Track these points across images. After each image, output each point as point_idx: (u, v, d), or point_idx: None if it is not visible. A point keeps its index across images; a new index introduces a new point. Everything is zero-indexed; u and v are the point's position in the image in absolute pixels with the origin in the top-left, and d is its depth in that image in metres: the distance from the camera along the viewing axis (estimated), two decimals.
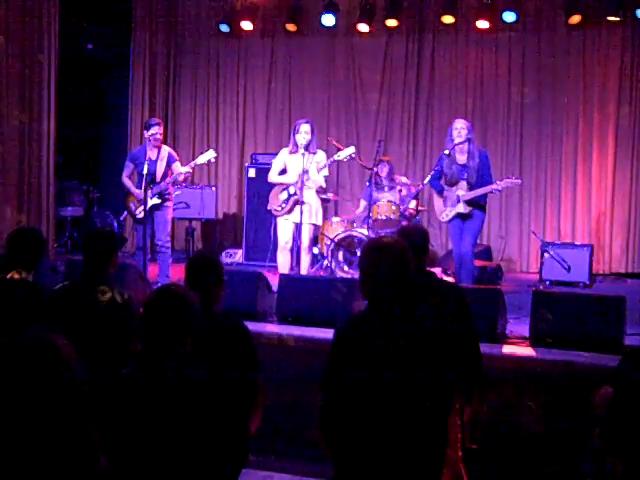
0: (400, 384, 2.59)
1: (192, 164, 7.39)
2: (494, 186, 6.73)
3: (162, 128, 7.35)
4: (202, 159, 7.40)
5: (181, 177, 7.26)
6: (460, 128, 6.71)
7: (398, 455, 2.59)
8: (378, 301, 2.73)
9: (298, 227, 7.04)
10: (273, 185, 7.31)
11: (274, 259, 7.55)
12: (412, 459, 2.59)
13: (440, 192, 6.92)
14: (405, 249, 2.80)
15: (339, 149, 7.49)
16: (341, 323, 2.87)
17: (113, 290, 3.71)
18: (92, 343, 3.51)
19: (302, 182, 6.93)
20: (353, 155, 7.23)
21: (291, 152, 7.11)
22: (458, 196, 6.76)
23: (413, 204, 8.34)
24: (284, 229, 7.17)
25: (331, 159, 7.05)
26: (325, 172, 7.13)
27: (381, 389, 2.60)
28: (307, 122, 7.08)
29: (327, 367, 2.79)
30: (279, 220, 7.23)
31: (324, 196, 7.86)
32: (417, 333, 2.65)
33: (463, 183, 6.76)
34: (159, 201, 7.21)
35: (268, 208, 7.35)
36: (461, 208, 6.76)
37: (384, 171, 8.62)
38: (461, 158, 6.81)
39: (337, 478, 2.72)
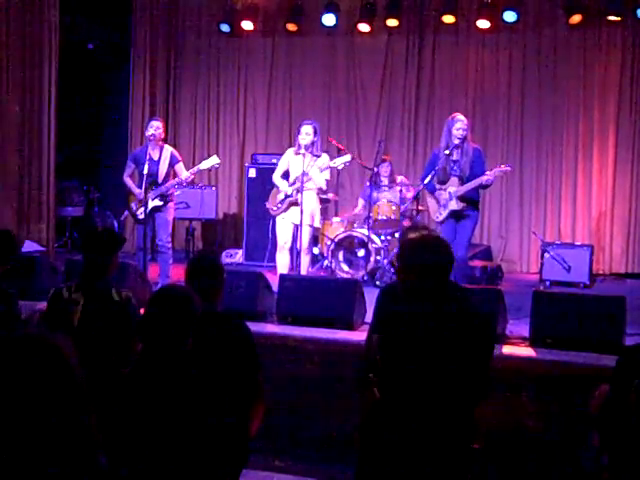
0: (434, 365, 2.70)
1: (195, 169, 7.33)
2: (485, 177, 6.51)
3: (163, 126, 7.32)
4: (205, 165, 7.36)
5: (182, 182, 7.29)
6: (462, 129, 6.62)
7: (428, 414, 2.69)
8: (423, 295, 2.80)
9: (297, 228, 7.05)
10: (274, 185, 7.35)
11: (272, 259, 7.57)
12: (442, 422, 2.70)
13: (432, 192, 6.79)
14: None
15: (340, 149, 7.51)
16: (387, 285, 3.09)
17: (111, 290, 3.71)
18: (93, 343, 3.52)
19: (302, 183, 6.95)
20: (348, 163, 7.26)
21: (296, 153, 7.15)
22: (450, 193, 6.59)
23: (413, 204, 8.34)
24: (283, 229, 7.19)
25: (327, 166, 7.07)
26: (327, 175, 7.14)
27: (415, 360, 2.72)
28: (309, 123, 7.11)
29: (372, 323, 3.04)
30: (277, 220, 7.25)
31: (324, 196, 7.87)
32: (450, 327, 2.75)
33: (454, 179, 6.60)
34: (160, 203, 7.19)
35: (267, 207, 7.38)
36: (454, 205, 6.56)
37: (387, 171, 8.63)
38: (454, 154, 6.66)
39: (362, 427, 2.84)
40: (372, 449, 2.77)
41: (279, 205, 7.15)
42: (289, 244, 7.19)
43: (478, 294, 5.31)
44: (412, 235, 3.05)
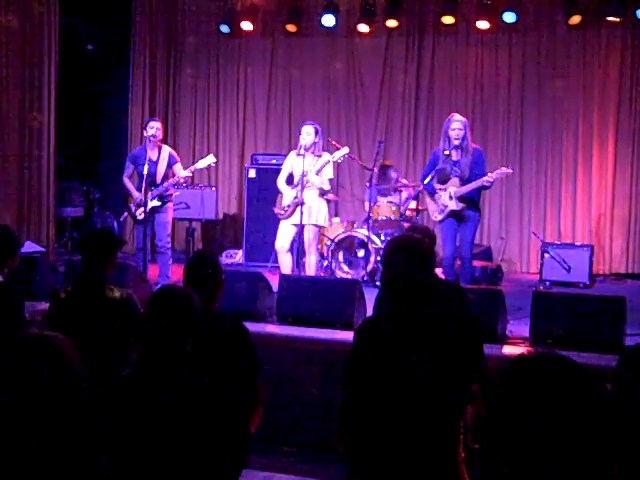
0: (418, 383, 2.61)
1: (192, 168, 7.37)
2: (485, 178, 6.47)
3: (162, 126, 7.33)
4: (202, 164, 7.39)
5: (180, 180, 7.31)
6: (458, 129, 6.58)
7: (413, 453, 2.61)
8: (401, 300, 2.75)
9: (299, 228, 7.03)
10: (276, 187, 7.36)
11: (277, 260, 7.55)
12: (427, 458, 2.62)
13: (432, 193, 6.76)
14: (431, 249, 2.84)
15: (338, 149, 7.49)
16: (363, 322, 2.88)
17: (110, 290, 3.71)
18: (92, 343, 3.52)
19: (302, 184, 6.95)
20: (346, 155, 7.24)
21: (297, 154, 7.15)
22: (450, 194, 6.56)
23: (413, 204, 8.34)
24: (283, 233, 7.14)
25: (326, 161, 7.06)
26: (329, 174, 7.10)
27: (400, 388, 2.62)
28: (309, 124, 7.11)
29: (348, 365, 2.80)
30: (281, 223, 7.21)
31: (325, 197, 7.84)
32: (437, 333, 2.67)
33: (455, 180, 6.57)
34: (159, 203, 7.21)
35: (275, 211, 7.34)
36: (453, 205, 6.53)
37: (393, 178, 8.55)
38: (454, 154, 6.64)
39: (351, 476, 2.75)
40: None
41: (286, 208, 7.13)
42: (285, 247, 7.14)
43: (478, 294, 5.31)
44: (400, 240, 3.00)
